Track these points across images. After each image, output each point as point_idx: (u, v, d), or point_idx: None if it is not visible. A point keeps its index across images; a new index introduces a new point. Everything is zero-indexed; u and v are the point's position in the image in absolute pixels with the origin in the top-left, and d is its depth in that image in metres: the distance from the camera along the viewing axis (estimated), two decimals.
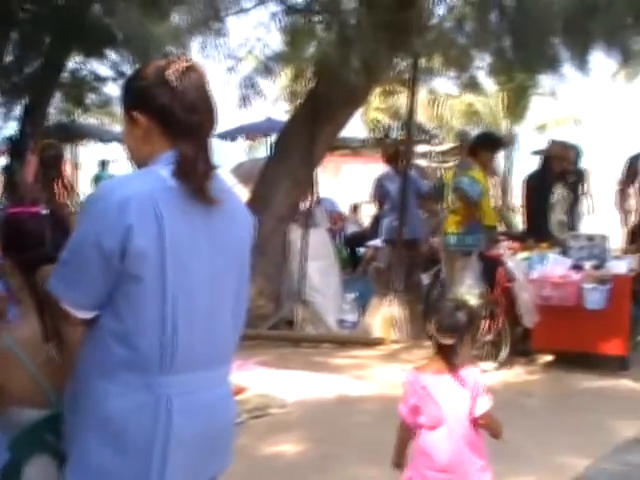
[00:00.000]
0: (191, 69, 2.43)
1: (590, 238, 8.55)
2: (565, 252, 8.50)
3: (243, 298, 2.62)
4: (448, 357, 3.64)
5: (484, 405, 3.61)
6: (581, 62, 9.17)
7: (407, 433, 3.80)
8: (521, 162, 22.18)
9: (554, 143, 10.35)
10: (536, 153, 10.95)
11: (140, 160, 2.48)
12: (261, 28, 9.55)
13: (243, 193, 10.03)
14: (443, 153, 20.16)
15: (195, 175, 2.37)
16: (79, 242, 2.34)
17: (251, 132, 18.06)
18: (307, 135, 9.51)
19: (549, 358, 8.38)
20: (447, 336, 3.62)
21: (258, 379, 7.25)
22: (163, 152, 2.41)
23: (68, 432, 2.47)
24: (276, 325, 9.39)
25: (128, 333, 2.33)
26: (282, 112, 17.93)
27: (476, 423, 3.62)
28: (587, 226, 10.79)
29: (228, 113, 9.49)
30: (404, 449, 3.81)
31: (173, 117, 2.39)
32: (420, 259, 10.63)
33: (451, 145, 20.61)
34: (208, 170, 2.41)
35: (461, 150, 12.84)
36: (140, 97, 2.44)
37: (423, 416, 3.67)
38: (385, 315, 9.30)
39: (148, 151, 2.44)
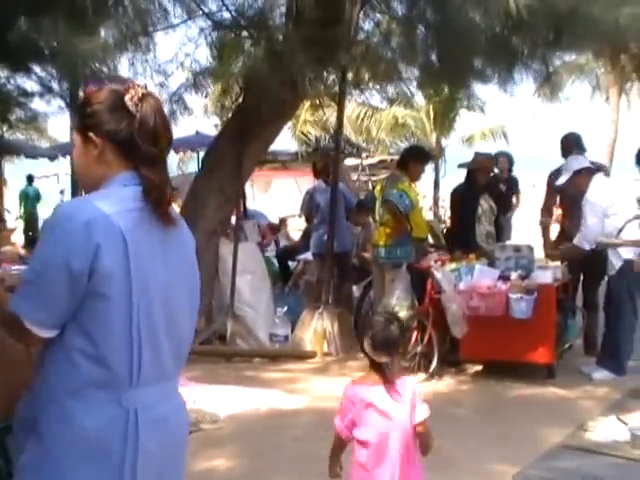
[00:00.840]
0: (148, 95, 2.50)
1: (517, 249, 8.69)
2: (493, 263, 8.64)
3: (194, 313, 2.70)
4: (383, 371, 3.69)
5: (423, 412, 3.67)
6: (505, 77, 9.30)
7: (340, 444, 3.85)
8: (450, 174, 22.48)
9: (478, 155, 10.51)
10: (461, 166, 11.10)
11: (92, 180, 2.52)
12: (190, 44, 9.55)
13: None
14: (372, 166, 20.36)
15: (164, 200, 2.46)
16: (44, 262, 2.36)
17: (180, 146, 17.97)
18: (236, 150, 9.47)
19: (478, 368, 8.49)
20: (382, 353, 3.67)
21: (190, 394, 7.21)
22: (119, 172, 2.47)
23: (27, 452, 2.44)
24: (208, 340, 9.34)
25: (101, 353, 2.37)
26: (212, 126, 17.93)
27: (415, 432, 3.66)
28: (514, 236, 10.97)
29: None
30: (336, 460, 3.86)
31: (135, 143, 2.44)
32: (350, 271, 10.68)
33: (380, 158, 20.83)
34: (171, 193, 2.51)
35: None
36: (97, 120, 2.48)
37: (359, 430, 3.70)
38: (316, 328, 9.31)
39: (103, 171, 2.49)
